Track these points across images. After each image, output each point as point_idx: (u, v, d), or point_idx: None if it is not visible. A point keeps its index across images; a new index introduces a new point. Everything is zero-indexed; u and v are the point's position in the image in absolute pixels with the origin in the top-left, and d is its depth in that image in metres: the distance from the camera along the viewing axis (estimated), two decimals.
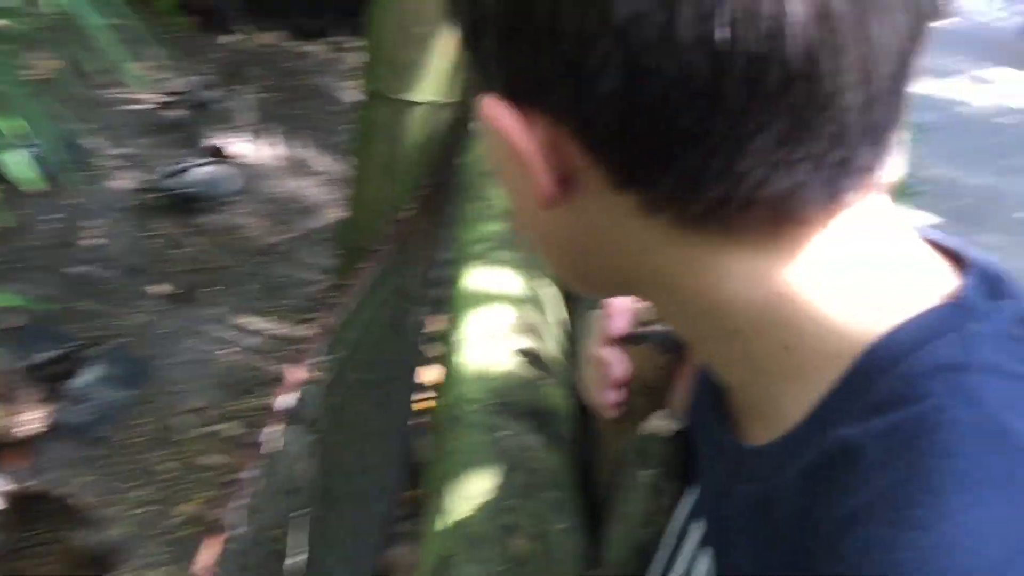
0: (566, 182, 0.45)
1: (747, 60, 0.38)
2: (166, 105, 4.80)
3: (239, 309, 3.62)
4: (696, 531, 0.58)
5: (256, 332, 3.52)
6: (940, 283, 0.46)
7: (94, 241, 3.86)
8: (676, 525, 0.61)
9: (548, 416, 0.92)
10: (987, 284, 0.45)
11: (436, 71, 2.08)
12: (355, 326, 1.59)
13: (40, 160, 2.43)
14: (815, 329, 0.45)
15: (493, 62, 0.44)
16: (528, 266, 1.24)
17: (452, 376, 0.97)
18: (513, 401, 0.92)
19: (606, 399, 0.74)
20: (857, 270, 0.45)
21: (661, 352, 0.71)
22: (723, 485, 0.53)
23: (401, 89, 2.10)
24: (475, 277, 1.20)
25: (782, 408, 0.46)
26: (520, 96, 0.44)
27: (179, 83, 4.96)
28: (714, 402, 0.55)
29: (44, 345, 3.06)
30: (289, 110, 5.27)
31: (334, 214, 4.43)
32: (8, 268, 3.52)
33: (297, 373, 1.27)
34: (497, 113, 0.45)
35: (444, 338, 1.12)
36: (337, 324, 1.45)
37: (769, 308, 0.45)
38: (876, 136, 0.42)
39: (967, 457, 0.38)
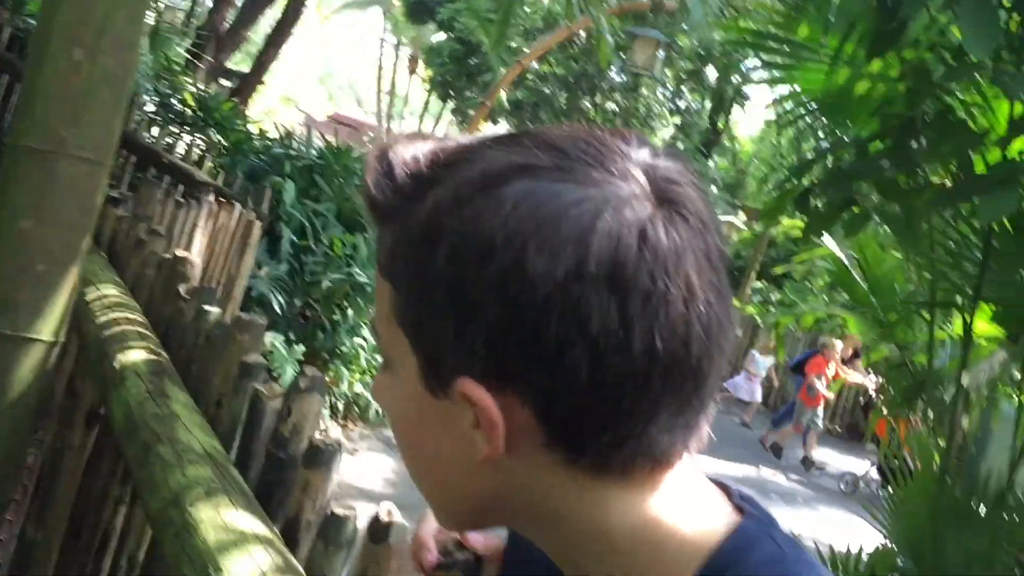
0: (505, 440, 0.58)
1: (669, 360, 0.55)
2: None
3: None
4: None
5: None
6: (724, 501, 0.63)
7: None
8: None
9: None
10: (744, 500, 0.64)
11: (54, 309, 2.06)
12: None
13: None
14: (674, 542, 0.59)
15: (478, 355, 0.56)
16: (251, 505, 1.32)
17: None
18: None
19: None
20: (690, 497, 0.62)
21: None
22: None
23: (14, 327, 2.03)
24: (207, 522, 1.24)
25: None
26: (496, 379, 0.56)
27: None
28: None
29: None
30: None
31: None
32: None
33: None
34: (472, 391, 0.57)
35: None
36: None
37: (641, 529, 0.59)
38: (709, 408, 0.61)
39: None
